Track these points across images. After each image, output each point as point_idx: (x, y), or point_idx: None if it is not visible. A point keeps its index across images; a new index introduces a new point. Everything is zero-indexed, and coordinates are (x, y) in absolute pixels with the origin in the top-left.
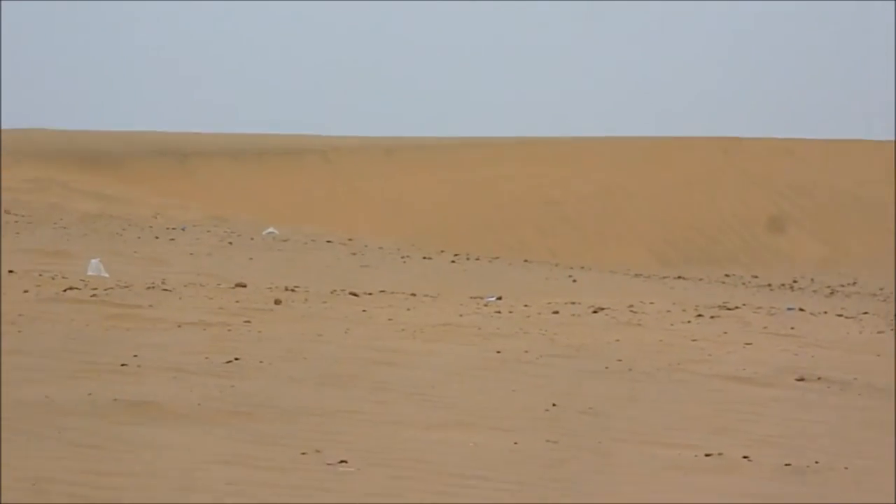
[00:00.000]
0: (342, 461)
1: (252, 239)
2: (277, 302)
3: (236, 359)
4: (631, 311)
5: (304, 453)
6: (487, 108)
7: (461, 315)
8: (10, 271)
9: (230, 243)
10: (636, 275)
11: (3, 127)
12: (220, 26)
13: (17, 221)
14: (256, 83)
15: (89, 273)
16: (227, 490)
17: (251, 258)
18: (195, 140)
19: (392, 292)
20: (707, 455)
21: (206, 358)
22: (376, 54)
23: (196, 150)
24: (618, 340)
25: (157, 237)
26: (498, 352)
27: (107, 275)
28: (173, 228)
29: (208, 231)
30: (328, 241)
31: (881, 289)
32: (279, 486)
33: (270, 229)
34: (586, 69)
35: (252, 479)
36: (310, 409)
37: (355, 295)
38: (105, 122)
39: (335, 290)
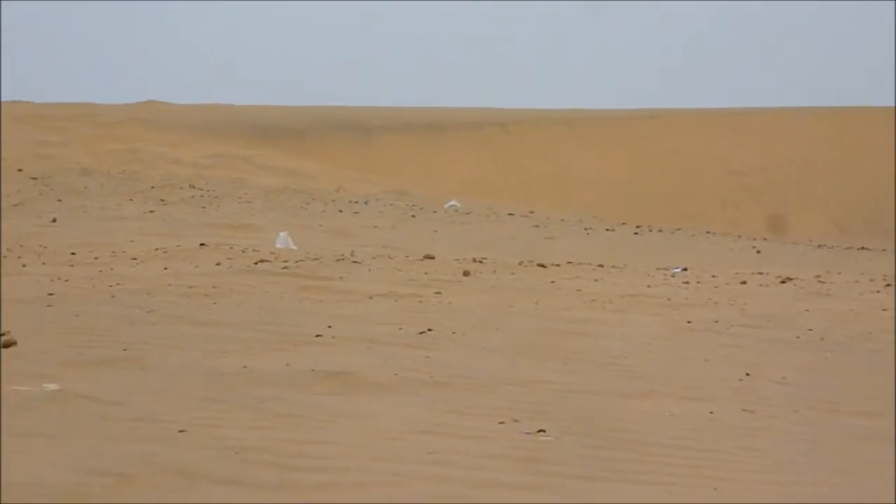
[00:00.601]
0: (540, 430)
1: (434, 212)
2: (466, 273)
3: (429, 329)
4: (819, 281)
5: (501, 423)
6: (667, 81)
7: (649, 286)
8: (202, 244)
9: (413, 216)
10: (819, 245)
11: (189, 102)
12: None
13: (202, 196)
14: (437, 57)
15: (278, 246)
16: (428, 459)
17: (435, 231)
18: (376, 114)
19: (578, 263)
20: None
21: (400, 329)
22: (555, 26)
23: (377, 125)
24: (807, 310)
25: (340, 210)
26: (688, 322)
27: (295, 247)
28: (356, 202)
29: (391, 204)
30: (510, 214)
31: None
32: (479, 455)
33: (452, 202)
34: (766, 40)
35: (452, 448)
36: (505, 379)
37: (543, 266)
38: (287, 98)
39: (522, 262)
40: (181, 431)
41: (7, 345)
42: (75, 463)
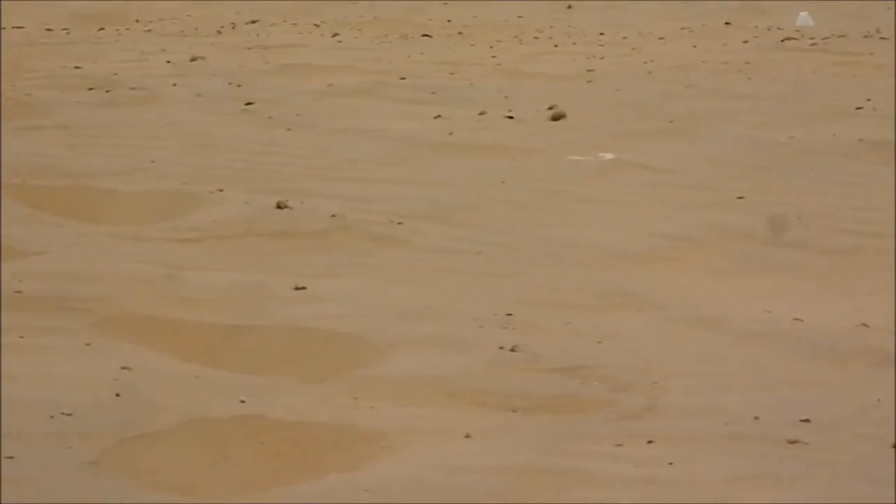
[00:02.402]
0: None
1: None
2: None
3: None
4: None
5: None
6: None
7: None
8: (727, 23)
9: None
10: None
11: None
12: None
13: None
14: None
15: (798, 24)
16: None
17: None
18: None
19: None
20: None
21: None
22: None
23: None
24: None
25: None
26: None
27: (813, 24)
28: None
29: None
30: None
31: None
32: None
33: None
34: None
35: None
36: None
37: None
38: None
39: None
40: (739, 198)
41: (557, 117)
42: (645, 227)
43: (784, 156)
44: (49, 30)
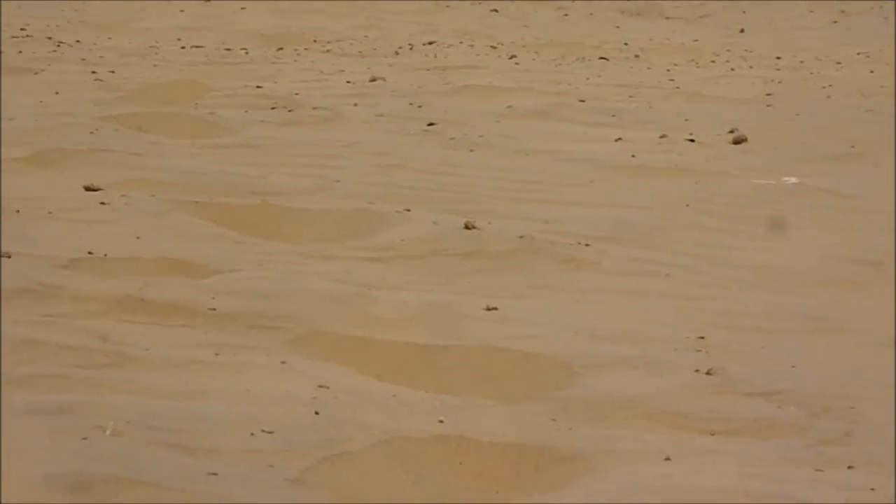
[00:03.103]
0: None
1: None
2: None
3: None
4: None
5: None
6: None
7: None
8: None
9: None
10: None
11: None
12: None
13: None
14: None
15: None
16: None
17: None
18: None
19: None
20: None
21: None
22: None
23: None
24: None
25: None
26: None
27: None
28: None
29: None
30: None
31: None
32: None
33: None
34: None
35: None
36: None
37: None
38: None
39: None
40: None
41: (738, 141)
42: (830, 251)
43: None
44: (228, 49)
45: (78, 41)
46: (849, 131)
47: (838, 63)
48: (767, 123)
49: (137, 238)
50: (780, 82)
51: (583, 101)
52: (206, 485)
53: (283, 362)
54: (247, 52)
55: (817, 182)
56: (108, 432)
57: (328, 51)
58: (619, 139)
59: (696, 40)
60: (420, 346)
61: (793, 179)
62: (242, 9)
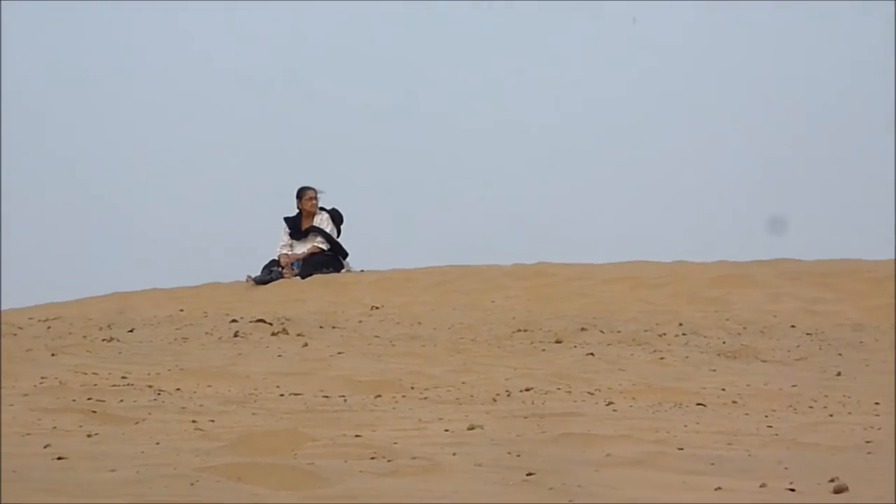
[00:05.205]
0: None
1: None
2: None
3: None
4: None
5: None
6: None
7: None
8: None
9: None
10: None
11: None
12: None
13: None
14: None
15: None
16: None
17: None
18: None
19: None
20: None
21: None
22: None
23: None
24: None
25: None
26: None
27: None
28: None
29: None
30: None
31: None
32: None
33: None
34: None
35: None
36: None
37: None
38: None
39: None
40: None
41: (839, 490)
42: None
43: None
44: (326, 397)
45: (178, 389)
46: None
47: None
48: (868, 472)
49: None
50: (879, 429)
51: (681, 448)
52: None
53: None
54: (345, 400)
55: None
56: None
57: (426, 398)
58: (719, 488)
59: (794, 385)
60: None
61: None
62: (340, 353)
